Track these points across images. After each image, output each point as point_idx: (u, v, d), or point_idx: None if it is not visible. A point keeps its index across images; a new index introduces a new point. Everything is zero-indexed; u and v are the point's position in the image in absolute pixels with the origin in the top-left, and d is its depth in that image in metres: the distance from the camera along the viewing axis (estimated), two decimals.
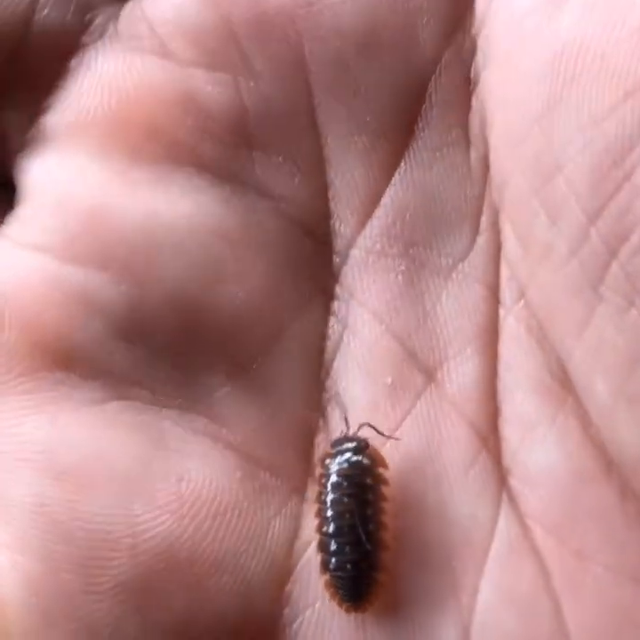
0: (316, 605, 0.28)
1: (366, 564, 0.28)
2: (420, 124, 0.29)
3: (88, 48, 0.29)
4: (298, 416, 0.29)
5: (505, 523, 0.27)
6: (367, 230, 0.29)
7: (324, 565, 0.28)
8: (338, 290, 0.30)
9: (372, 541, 0.28)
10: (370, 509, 0.28)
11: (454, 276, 0.29)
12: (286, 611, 0.28)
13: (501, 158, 0.28)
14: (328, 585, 0.28)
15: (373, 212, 0.29)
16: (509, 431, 0.28)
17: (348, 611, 0.28)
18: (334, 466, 0.28)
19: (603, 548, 0.26)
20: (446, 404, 0.29)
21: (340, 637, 0.28)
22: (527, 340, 0.28)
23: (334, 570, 0.28)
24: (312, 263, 0.30)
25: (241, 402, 0.29)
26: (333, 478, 0.28)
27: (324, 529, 0.28)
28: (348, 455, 0.28)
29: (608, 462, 0.26)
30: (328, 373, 0.29)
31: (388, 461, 0.28)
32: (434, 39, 0.29)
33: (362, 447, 0.28)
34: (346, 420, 0.29)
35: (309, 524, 0.28)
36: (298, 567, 0.28)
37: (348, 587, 0.28)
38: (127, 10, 0.29)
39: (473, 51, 0.29)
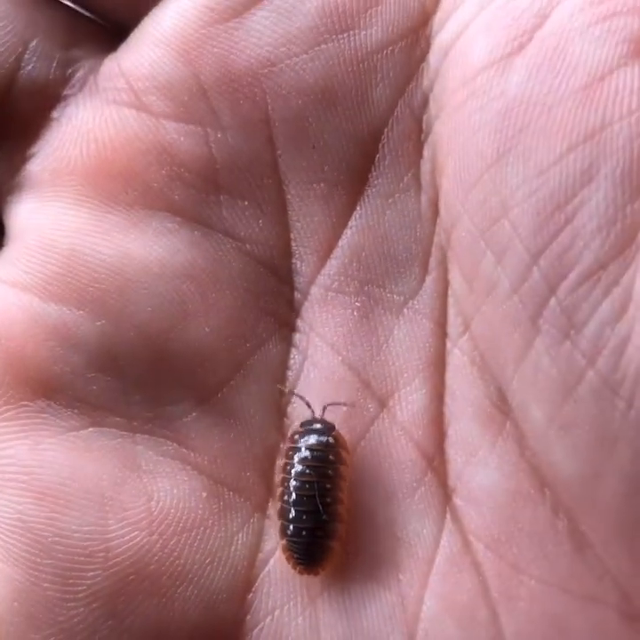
0: (275, 613, 0.29)
1: (321, 532, 0.29)
2: (374, 173, 0.30)
3: (69, 100, 0.30)
4: (260, 440, 0.30)
5: (448, 538, 0.29)
6: (326, 269, 0.31)
7: (283, 531, 0.30)
8: (299, 323, 0.31)
9: (328, 512, 0.29)
10: (329, 483, 0.30)
11: (405, 311, 0.30)
12: (248, 618, 0.29)
13: (451, 202, 0.29)
14: (285, 549, 0.30)
15: (331, 252, 0.31)
16: (454, 454, 0.29)
17: (300, 573, 0.30)
18: (302, 441, 0.30)
19: (536, 561, 0.28)
20: (397, 430, 0.30)
21: None
22: (470, 371, 0.29)
23: (291, 536, 0.29)
24: (275, 299, 0.31)
25: (207, 427, 0.30)
26: (300, 452, 0.30)
27: (286, 497, 0.30)
28: (315, 433, 0.30)
29: (542, 483, 0.28)
30: (289, 400, 0.31)
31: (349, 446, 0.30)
32: (386, 95, 0.30)
33: (328, 428, 0.30)
34: (308, 405, 0.30)
35: (271, 539, 0.30)
36: (259, 578, 0.30)
37: (303, 551, 0.29)
38: (106, 65, 0.31)
39: (424, 104, 0.30)
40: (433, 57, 0.30)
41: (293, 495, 0.29)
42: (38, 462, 0.29)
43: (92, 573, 0.28)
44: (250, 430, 0.30)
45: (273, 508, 0.30)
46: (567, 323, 0.25)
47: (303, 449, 0.30)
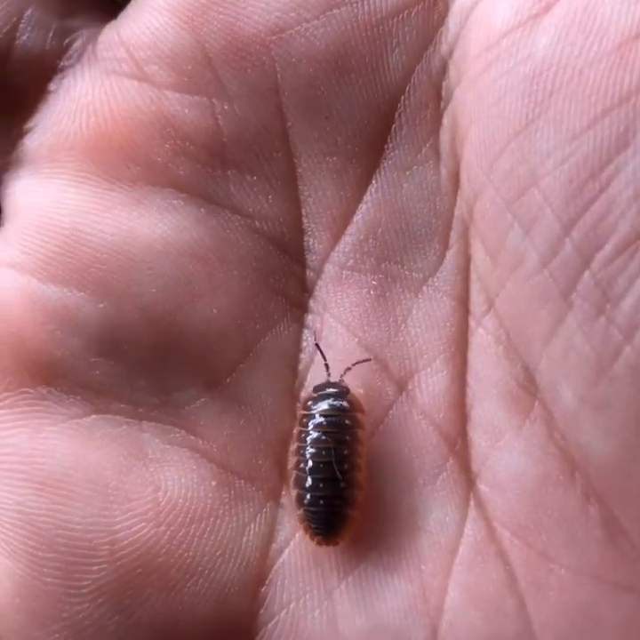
0: (291, 606, 0.29)
1: (340, 501, 0.29)
2: (391, 144, 0.29)
3: (67, 71, 0.30)
4: (272, 425, 0.30)
5: (472, 526, 0.28)
6: (340, 246, 0.30)
7: (299, 500, 0.29)
8: (312, 304, 0.30)
9: (346, 479, 0.29)
10: (346, 449, 0.29)
11: (425, 289, 0.30)
12: (262, 612, 0.29)
13: (474, 173, 0.28)
14: (302, 519, 0.29)
15: (346, 228, 0.30)
16: (478, 438, 0.29)
17: (319, 543, 0.29)
18: (316, 407, 0.29)
19: (566, 549, 0.27)
20: (416, 413, 0.29)
21: (313, 637, 0.28)
22: (495, 350, 0.28)
23: (308, 505, 0.29)
24: (286, 278, 0.30)
25: (217, 413, 0.29)
26: (314, 418, 0.29)
27: (301, 465, 0.29)
28: (330, 398, 0.29)
29: (572, 467, 0.27)
30: (302, 385, 0.30)
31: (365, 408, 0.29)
32: (402, 61, 0.29)
33: (343, 392, 0.29)
34: (326, 366, 0.29)
35: (284, 529, 0.29)
36: (273, 570, 0.29)
37: (321, 521, 0.29)
38: (105, 34, 0.30)
39: (444, 70, 0.29)
40: (452, 20, 0.29)
41: (309, 463, 0.29)
42: (39, 451, 0.28)
43: (97, 567, 0.27)
44: (261, 416, 0.30)
45: (287, 497, 0.29)
46: (602, 297, 0.25)
47: (317, 415, 0.29)
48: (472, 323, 0.29)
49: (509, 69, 0.26)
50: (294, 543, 0.29)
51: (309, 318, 0.30)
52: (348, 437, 0.29)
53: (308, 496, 0.29)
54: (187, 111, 0.29)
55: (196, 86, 0.29)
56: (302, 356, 0.30)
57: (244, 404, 0.29)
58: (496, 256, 0.28)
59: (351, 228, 0.30)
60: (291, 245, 0.30)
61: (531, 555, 0.27)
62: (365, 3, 0.29)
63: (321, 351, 0.29)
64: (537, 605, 0.27)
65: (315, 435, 0.29)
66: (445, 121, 0.29)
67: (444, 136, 0.29)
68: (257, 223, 0.30)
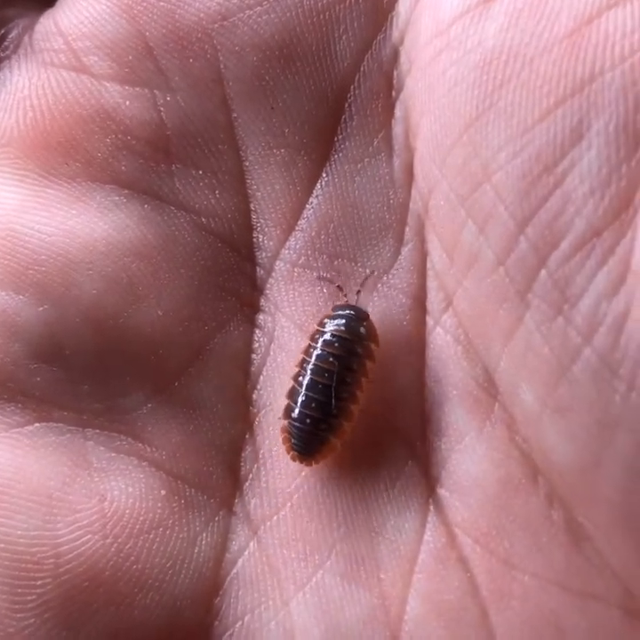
0: (246, 618, 0.28)
1: (326, 426, 0.28)
2: (341, 136, 0.29)
3: (2, 64, 0.29)
4: (224, 431, 0.29)
5: (432, 533, 0.28)
6: (291, 243, 0.29)
7: (287, 412, 0.29)
8: (263, 303, 0.29)
9: (339, 407, 0.28)
10: (350, 377, 0.28)
11: (380, 287, 0.29)
12: (216, 624, 0.28)
13: (427, 167, 0.27)
14: (284, 430, 0.29)
15: (296, 224, 0.29)
16: (438, 441, 0.28)
17: (293, 459, 0.29)
18: (331, 326, 0.29)
19: (529, 555, 0.26)
20: (373, 416, 0.28)
21: None
22: (454, 350, 0.28)
23: (294, 420, 0.28)
24: (235, 277, 0.29)
25: (165, 419, 0.29)
26: (327, 336, 0.28)
27: (300, 379, 0.28)
28: (347, 320, 0.28)
29: (535, 471, 0.26)
30: (254, 386, 0.29)
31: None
32: (351, 49, 0.28)
33: (362, 316, 0.29)
34: (340, 288, 0.29)
35: (238, 538, 0.28)
36: (227, 581, 0.28)
37: (302, 439, 0.28)
38: (42, 23, 0.29)
39: (395, 57, 0.28)
40: (402, 5, 0.28)
41: (308, 379, 0.28)
42: None
43: (41, 581, 0.27)
44: (212, 421, 0.29)
45: (240, 505, 0.29)
46: (560, 297, 0.24)
47: (330, 335, 0.28)
48: (430, 321, 0.28)
49: (459, 58, 0.26)
50: (248, 552, 0.28)
51: (261, 318, 0.29)
52: (354, 366, 0.28)
53: (297, 411, 0.28)
54: (128, 104, 0.28)
55: (137, 78, 0.28)
56: (254, 356, 0.29)
57: (194, 409, 0.29)
58: (452, 253, 0.27)
59: (302, 224, 0.29)
60: (240, 242, 0.29)
61: (493, 561, 0.27)
62: None
63: (328, 279, 0.29)
64: (500, 614, 0.26)
65: (322, 353, 0.28)
66: (398, 112, 0.28)
67: (397, 127, 0.28)
68: (204, 220, 0.29)
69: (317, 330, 0.29)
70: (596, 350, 0.23)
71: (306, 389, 0.28)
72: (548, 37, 0.24)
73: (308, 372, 0.28)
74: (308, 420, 0.28)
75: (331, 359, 0.28)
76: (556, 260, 0.24)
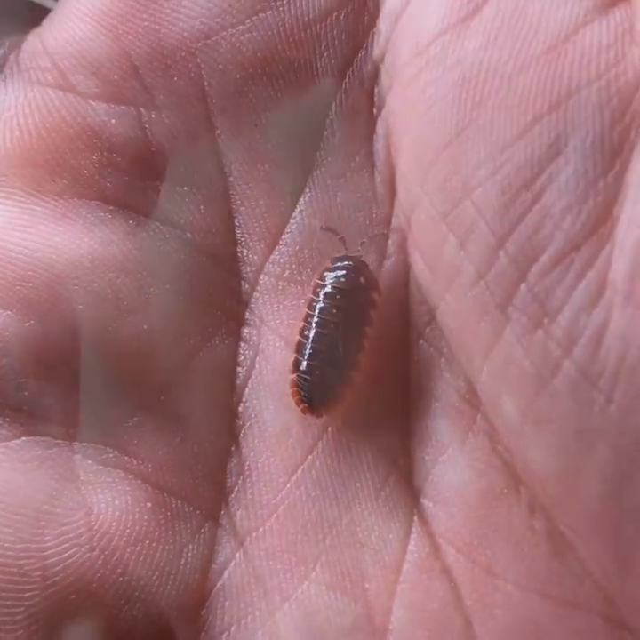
0: (232, 629, 0.28)
1: (334, 377, 0.28)
2: (323, 152, 0.29)
3: None
4: (210, 444, 0.29)
5: (416, 543, 0.28)
6: (275, 257, 0.29)
7: (295, 365, 0.29)
8: (248, 316, 0.29)
9: (346, 357, 0.28)
10: (354, 327, 0.29)
11: None
12: (202, 635, 0.28)
13: (409, 183, 0.28)
14: (293, 384, 0.29)
15: (280, 238, 0.29)
16: (421, 452, 0.28)
17: (303, 411, 0.28)
18: (332, 278, 0.29)
19: (512, 565, 0.26)
20: (357, 428, 0.29)
21: None
22: (437, 363, 0.28)
23: (303, 372, 0.28)
24: (221, 291, 0.29)
25: (151, 432, 0.28)
26: (328, 288, 0.29)
27: (306, 332, 0.28)
28: (347, 271, 0.28)
29: (517, 481, 0.26)
30: (240, 399, 0.29)
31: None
32: (332, 66, 0.28)
33: (361, 267, 0.29)
34: (343, 240, 0.29)
35: (224, 549, 0.28)
36: (213, 592, 0.28)
37: (311, 391, 0.28)
38: (29, 42, 0.29)
39: (376, 75, 0.28)
40: (383, 23, 0.28)
41: (314, 331, 0.28)
42: None
43: (29, 594, 0.26)
44: (198, 434, 0.29)
45: (226, 516, 0.29)
46: (539, 310, 0.24)
47: (331, 287, 0.28)
48: (413, 334, 0.28)
49: (439, 77, 0.26)
50: (235, 563, 0.28)
51: (246, 331, 0.29)
52: (358, 315, 0.28)
53: (305, 363, 0.28)
54: (113, 122, 0.28)
55: (122, 96, 0.28)
56: (239, 369, 0.29)
57: (180, 422, 0.29)
58: (434, 267, 0.27)
59: (286, 238, 0.29)
60: (224, 257, 0.29)
61: (476, 571, 0.27)
62: (292, 6, 0.28)
63: (331, 229, 0.29)
64: (483, 623, 0.27)
65: (325, 305, 0.28)
66: (379, 128, 0.29)
67: (379, 144, 0.29)
68: (189, 235, 0.29)
69: (318, 283, 0.29)
70: (575, 363, 0.24)
71: (312, 342, 0.28)
72: (526, 55, 0.24)
73: (313, 325, 0.28)
74: (317, 372, 0.28)
75: (334, 311, 0.28)
76: (535, 274, 0.24)
